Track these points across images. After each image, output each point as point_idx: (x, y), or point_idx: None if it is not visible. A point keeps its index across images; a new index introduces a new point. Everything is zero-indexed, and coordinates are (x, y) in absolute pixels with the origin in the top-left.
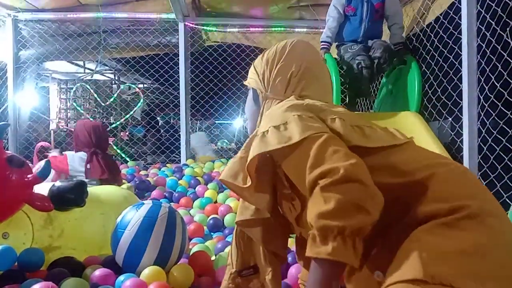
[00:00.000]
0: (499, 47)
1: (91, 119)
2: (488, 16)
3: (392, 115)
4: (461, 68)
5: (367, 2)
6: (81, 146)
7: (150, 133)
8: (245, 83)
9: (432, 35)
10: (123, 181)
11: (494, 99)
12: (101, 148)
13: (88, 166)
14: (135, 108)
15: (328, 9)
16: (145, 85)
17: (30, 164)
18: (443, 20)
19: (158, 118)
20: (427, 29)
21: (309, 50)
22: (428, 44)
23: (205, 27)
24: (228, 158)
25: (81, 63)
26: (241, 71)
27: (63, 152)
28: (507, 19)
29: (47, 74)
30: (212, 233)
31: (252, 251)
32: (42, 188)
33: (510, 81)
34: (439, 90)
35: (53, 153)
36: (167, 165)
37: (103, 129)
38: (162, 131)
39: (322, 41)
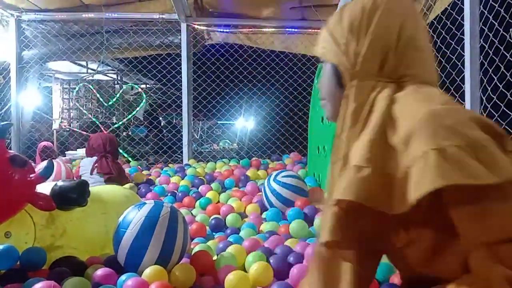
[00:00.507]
0: (502, 48)
1: (94, 119)
2: (491, 17)
3: None
4: (464, 69)
5: None
6: (93, 153)
7: (152, 133)
8: (318, 54)
9: (435, 35)
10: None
11: (496, 100)
12: (111, 155)
13: (96, 164)
14: (137, 109)
15: (330, 10)
16: (147, 85)
17: (32, 164)
18: (446, 21)
19: (160, 118)
20: (429, 29)
21: (411, 9)
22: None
23: (207, 28)
24: (230, 159)
25: (84, 63)
26: (243, 71)
27: (66, 152)
28: (510, 20)
29: (50, 74)
30: (214, 233)
31: (338, 281)
32: (44, 188)
33: None
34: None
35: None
36: (169, 165)
37: (116, 140)
38: (164, 131)
39: None
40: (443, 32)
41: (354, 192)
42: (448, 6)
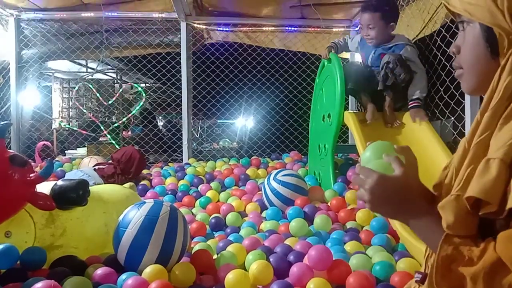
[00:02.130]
0: None
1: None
2: None
3: None
4: None
5: (374, 51)
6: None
7: (149, 132)
8: (458, 10)
9: (435, 34)
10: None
11: None
12: (122, 171)
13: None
14: (137, 108)
15: (329, 8)
16: (147, 84)
17: (32, 163)
18: (446, 19)
19: (160, 117)
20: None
21: None
22: (431, 43)
23: (207, 26)
24: (230, 157)
25: (83, 62)
26: (242, 70)
27: (66, 152)
28: None
29: (50, 73)
30: (214, 232)
31: None
32: (44, 187)
33: None
34: (441, 89)
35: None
36: (169, 164)
37: (141, 162)
38: (164, 130)
39: (332, 42)
40: (443, 31)
41: (487, 192)
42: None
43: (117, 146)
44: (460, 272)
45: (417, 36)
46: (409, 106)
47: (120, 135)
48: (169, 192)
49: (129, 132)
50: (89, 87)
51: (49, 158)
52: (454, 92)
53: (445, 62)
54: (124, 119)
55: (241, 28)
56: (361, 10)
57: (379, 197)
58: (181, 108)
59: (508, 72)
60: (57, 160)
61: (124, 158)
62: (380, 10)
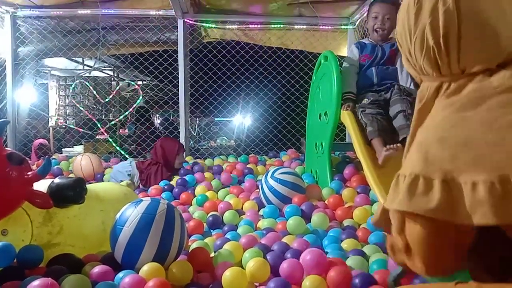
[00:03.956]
0: None
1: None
2: None
3: None
4: None
5: (381, 48)
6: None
7: (140, 130)
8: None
9: None
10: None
11: None
12: (167, 164)
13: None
14: (134, 105)
15: (326, 6)
16: (144, 82)
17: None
18: None
19: (157, 115)
20: None
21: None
22: None
23: (204, 24)
24: (228, 155)
25: (80, 59)
26: (240, 68)
27: (62, 150)
28: None
29: (46, 70)
30: (211, 230)
31: None
32: (41, 185)
33: None
34: None
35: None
36: None
37: (172, 148)
38: (161, 128)
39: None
40: None
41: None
42: None
43: (113, 144)
44: None
45: None
46: None
47: (117, 133)
48: (166, 190)
49: (126, 130)
50: (86, 84)
51: (46, 156)
52: None
53: None
54: (121, 116)
55: (239, 26)
56: (379, 1)
57: None
58: (178, 106)
59: (417, 101)
60: (54, 158)
61: (161, 153)
62: (396, 3)
